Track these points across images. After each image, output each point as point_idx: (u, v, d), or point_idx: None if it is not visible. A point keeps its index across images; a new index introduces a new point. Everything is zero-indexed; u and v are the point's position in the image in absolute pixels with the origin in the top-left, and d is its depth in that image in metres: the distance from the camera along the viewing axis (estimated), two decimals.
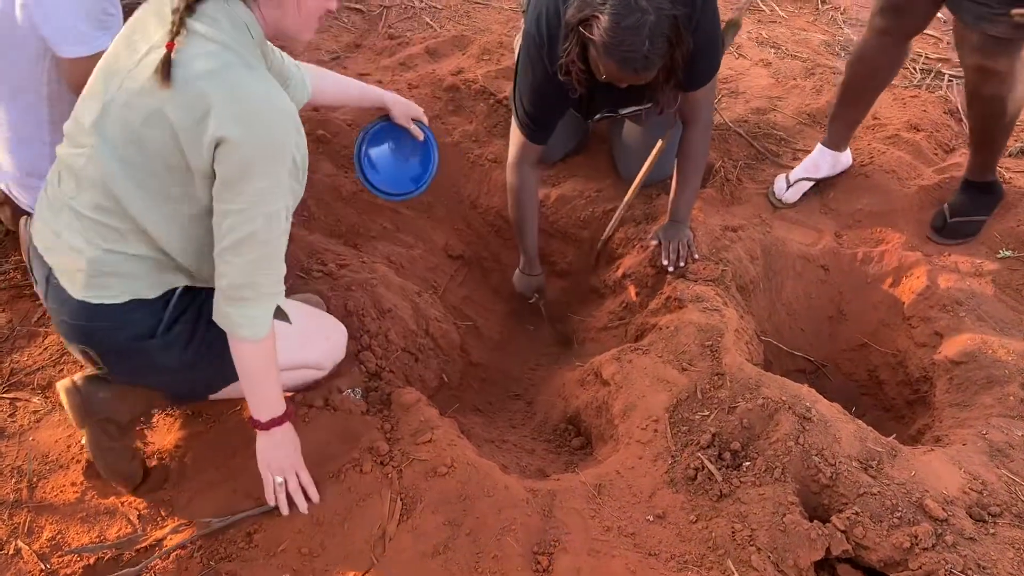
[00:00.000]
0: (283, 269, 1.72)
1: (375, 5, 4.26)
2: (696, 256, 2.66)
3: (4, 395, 2.19)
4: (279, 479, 1.84)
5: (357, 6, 4.24)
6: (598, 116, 2.73)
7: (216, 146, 1.54)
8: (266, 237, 1.63)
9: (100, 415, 1.87)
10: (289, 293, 2.42)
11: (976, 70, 2.53)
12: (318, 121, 3.08)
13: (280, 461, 1.85)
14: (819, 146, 3.09)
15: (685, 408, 2.14)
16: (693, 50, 2.23)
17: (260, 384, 1.78)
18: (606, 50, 2.06)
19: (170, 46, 1.52)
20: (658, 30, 2.04)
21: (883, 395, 2.71)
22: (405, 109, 2.35)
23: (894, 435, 2.16)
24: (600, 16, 2.04)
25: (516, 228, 2.82)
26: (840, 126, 3.03)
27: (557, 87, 2.34)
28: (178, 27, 1.53)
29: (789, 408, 2.03)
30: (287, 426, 1.85)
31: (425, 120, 2.41)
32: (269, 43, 1.83)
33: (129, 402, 1.90)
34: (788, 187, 3.05)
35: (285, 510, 1.86)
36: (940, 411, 2.39)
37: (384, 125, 2.37)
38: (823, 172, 3.09)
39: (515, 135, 2.63)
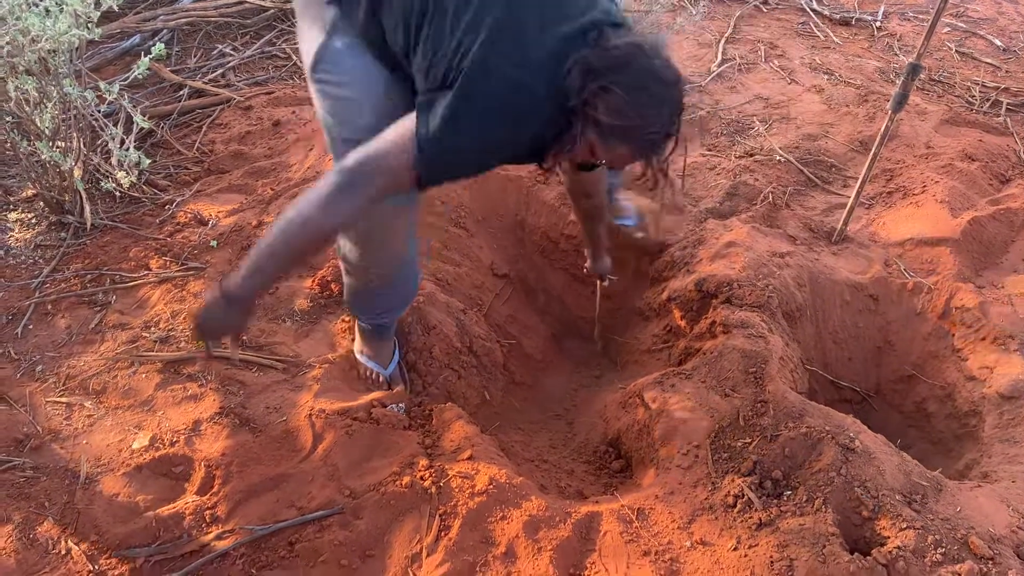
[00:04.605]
0: None
1: None
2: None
3: (60, 399, 2.25)
4: None
5: None
6: None
7: None
8: None
9: None
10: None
11: None
12: None
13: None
14: None
15: (727, 435, 2.13)
16: None
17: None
18: (617, 133, 1.57)
19: None
20: (676, 102, 1.60)
21: (930, 428, 2.66)
22: None
23: (940, 469, 2.12)
24: (612, 91, 1.52)
25: (291, 259, 1.76)
26: None
27: (519, 156, 1.76)
28: None
29: (832, 438, 2.01)
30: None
31: None
32: None
33: None
34: None
35: None
36: (989, 446, 2.34)
37: None
38: None
39: (401, 166, 1.64)
